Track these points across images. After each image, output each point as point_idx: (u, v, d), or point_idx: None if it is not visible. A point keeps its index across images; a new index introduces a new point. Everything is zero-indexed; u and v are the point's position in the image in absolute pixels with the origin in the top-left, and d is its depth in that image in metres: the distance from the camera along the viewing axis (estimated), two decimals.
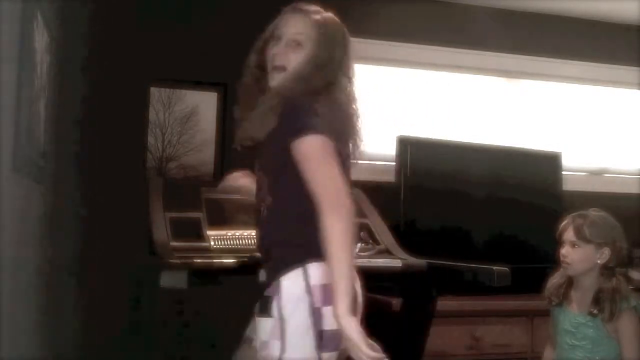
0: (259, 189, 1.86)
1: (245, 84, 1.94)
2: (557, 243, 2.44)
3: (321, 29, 1.87)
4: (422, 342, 2.50)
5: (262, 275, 1.83)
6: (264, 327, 1.73)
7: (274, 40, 1.89)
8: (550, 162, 3.65)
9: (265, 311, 1.73)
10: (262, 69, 1.92)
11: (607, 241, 2.38)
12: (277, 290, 1.72)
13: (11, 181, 1.69)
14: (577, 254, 2.38)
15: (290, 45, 1.85)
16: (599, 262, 2.38)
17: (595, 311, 2.34)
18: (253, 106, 1.85)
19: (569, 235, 2.40)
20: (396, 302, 2.70)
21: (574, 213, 2.45)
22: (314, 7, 1.92)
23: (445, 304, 2.70)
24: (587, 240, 2.37)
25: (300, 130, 1.70)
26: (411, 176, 3.23)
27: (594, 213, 2.43)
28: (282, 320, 1.70)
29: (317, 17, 1.89)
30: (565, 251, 2.40)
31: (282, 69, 1.85)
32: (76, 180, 2.94)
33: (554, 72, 3.89)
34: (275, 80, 1.85)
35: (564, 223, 2.44)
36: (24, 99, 1.76)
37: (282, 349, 1.69)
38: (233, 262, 2.21)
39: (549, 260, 2.62)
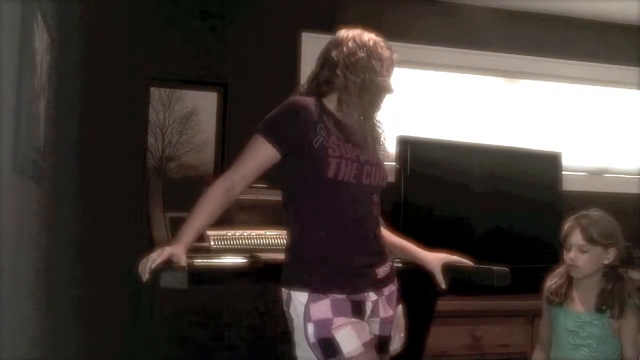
0: (365, 194, 1.98)
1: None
2: (562, 246, 2.43)
3: None
4: (422, 342, 2.50)
5: (380, 273, 2.00)
6: (401, 313, 2.08)
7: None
8: (550, 162, 3.64)
9: (399, 300, 2.07)
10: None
11: (613, 241, 2.37)
12: (395, 282, 2.06)
13: (11, 181, 1.69)
14: (586, 257, 2.36)
15: None
16: (605, 262, 2.37)
17: (604, 307, 2.34)
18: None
19: (576, 238, 2.37)
20: None
21: (576, 214, 2.43)
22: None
23: (445, 304, 2.70)
24: (595, 242, 2.35)
25: None
26: (411, 176, 3.23)
27: (595, 213, 2.41)
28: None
29: None
30: (573, 255, 2.37)
31: None
32: (76, 180, 2.94)
33: (554, 72, 3.89)
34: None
35: (568, 226, 2.42)
36: (24, 99, 1.76)
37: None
38: (233, 262, 2.21)
39: (549, 260, 2.62)
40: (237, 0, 3.34)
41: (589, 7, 3.75)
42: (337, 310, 1.87)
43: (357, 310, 1.91)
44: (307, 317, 1.87)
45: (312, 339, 1.86)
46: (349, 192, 1.93)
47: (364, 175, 1.95)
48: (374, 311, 1.97)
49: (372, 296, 1.95)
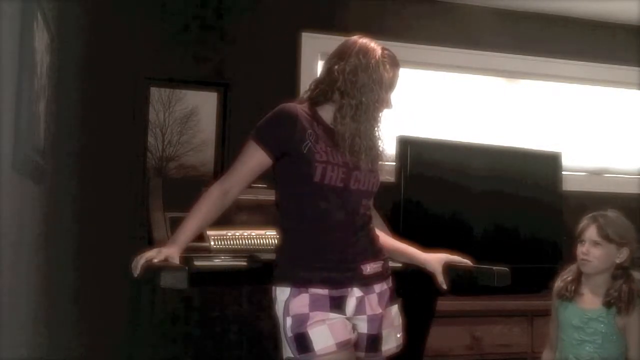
0: (354, 203, 1.99)
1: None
2: (576, 241, 2.47)
3: None
4: (422, 342, 2.50)
5: (367, 269, 1.99)
6: (397, 313, 2.07)
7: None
8: (550, 162, 3.65)
9: (394, 300, 2.07)
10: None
11: (627, 241, 2.42)
12: (389, 282, 2.06)
13: (11, 181, 1.69)
14: (598, 252, 2.41)
15: None
16: (617, 261, 2.42)
17: (612, 301, 2.37)
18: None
19: (592, 234, 2.43)
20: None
21: (593, 213, 2.48)
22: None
23: (445, 304, 2.70)
24: (610, 240, 2.41)
25: None
26: (411, 176, 3.23)
27: (612, 213, 2.47)
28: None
29: None
30: (586, 249, 2.43)
31: None
32: (76, 180, 2.95)
33: (554, 72, 3.89)
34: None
35: (584, 222, 2.47)
36: (24, 99, 1.76)
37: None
38: (233, 262, 2.21)
39: (549, 260, 2.63)
40: (237, 0, 3.34)
41: (589, 7, 3.74)
42: (314, 305, 1.88)
43: (337, 305, 1.91)
44: (286, 311, 1.90)
45: (289, 333, 1.89)
46: (335, 195, 1.95)
47: (352, 181, 1.96)
48: (360, 308, 1.96)
49: (356, 292, 1.95)
